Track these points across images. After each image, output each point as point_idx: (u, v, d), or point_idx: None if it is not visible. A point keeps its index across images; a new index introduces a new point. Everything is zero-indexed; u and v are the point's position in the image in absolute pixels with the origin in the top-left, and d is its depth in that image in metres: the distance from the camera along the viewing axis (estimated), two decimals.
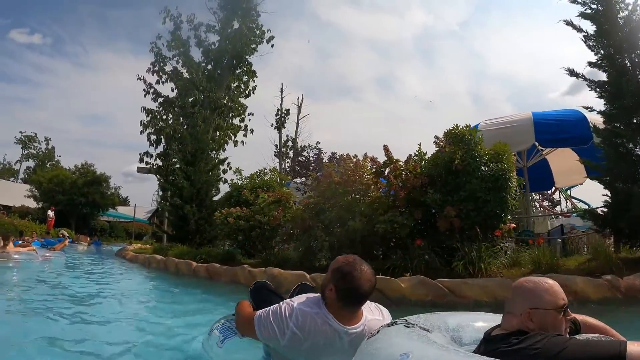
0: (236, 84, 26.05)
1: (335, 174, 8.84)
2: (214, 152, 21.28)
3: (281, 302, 2.63)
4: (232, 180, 14.40)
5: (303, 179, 15.87)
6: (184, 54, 25.05)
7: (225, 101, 24.71)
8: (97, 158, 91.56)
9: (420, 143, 8.33)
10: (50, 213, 29.40)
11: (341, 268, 2.45)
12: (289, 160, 29.17)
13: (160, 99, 25.27)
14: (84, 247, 23.35)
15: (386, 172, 8.35)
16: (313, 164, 25.22)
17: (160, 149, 24.85)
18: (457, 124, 7.67)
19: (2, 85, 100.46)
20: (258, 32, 26.22)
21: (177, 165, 19.77)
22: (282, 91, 28.01)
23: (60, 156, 75.90)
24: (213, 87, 23.67)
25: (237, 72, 25.71)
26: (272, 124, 28.36)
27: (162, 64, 25.40)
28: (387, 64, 76.29)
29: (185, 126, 23.10)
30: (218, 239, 15.35)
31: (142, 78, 25.48)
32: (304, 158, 26.41)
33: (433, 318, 2.19)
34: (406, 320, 2.11)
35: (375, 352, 1.90)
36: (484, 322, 2.22)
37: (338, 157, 22.66)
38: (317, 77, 74.62)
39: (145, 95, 25.33)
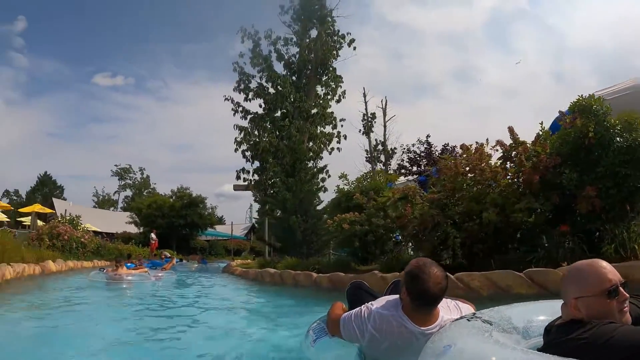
0: (324, 91, 25.86)
1: (460, 165, 8.18)
2: (312, 162, 21.20)
3: (363, 305, 2.76)
4: (337, 186, 13.98)
5: (409, 177, 15.38)
6: (268, 68, 25.21)
7: (316, 110, 24.56)
8: (189, 182, 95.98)
9: (542, 121, 7.76)
10: (153, 236, 30.51)
11: (411, 271, 2.51)
12: (382, 164, 28.52)
13: (249, 116, 25.54)
14: (196, 265, 23.97)
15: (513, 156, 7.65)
16: (424, 160, 24.23)
17: (255, 164, 25.08)
18: (581, 95, 6.91)
19: (94, 125, 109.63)
20: (336, 38, 25.98)
21: (277, 178, 19.80)
22: (365, 95, 27.39)
23: (155, 184, 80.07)
24: (302, 97, 23.60)
25: (323, 79, 25.54)
26: (360, 130, 27.84)
27: (247, 82, 25.72)
28: (462, 56, 74.05)
29: (281, 139, 23.12)
30: (327, 247, 15.25)
31: (229, 98, 25.87)
32: (412, 154, 25.42)
33: (506, 311, 2.20)
34: (474, 314, 2.18)
35: (429, 344, 2.00)
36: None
37: (450, 149, 21.96)
38: (393, 79, 73.49)
39: (234, 114, 25.67)
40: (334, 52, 25.61)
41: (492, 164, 8.01)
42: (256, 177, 25.26)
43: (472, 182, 7.96)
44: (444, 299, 2.59)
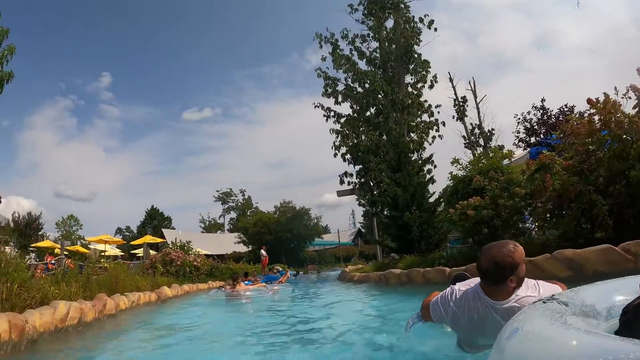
0: (414, 79, 24.53)
1: (592, 122, 7.10)
2: (416, 153, 20.04)
3: (448, 287, 3.02)
4: (450, 173, 12.76)
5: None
6: (352, 67, 24.40)
7: (410, 100, 23.29)
8: (290, 197, 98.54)
9: None
10: (263, 252, 30.49)
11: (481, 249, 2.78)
12: (481, 148, 26.60)
13: (342, 119, 24.83)
14: (315, 275, 24.01)
15: None
16: (542, 128, 22.32)
17: (357, 166, 24.31)
18: None
19: (191, 159, 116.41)
20: (413, 24, 24.61)
21: (383, 175, 18.87)
22: (451, 80, 25.40)
23: (257, 202, 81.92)
24: (394, 88, 22.48)
25: (410, 67, 24.24)
26: (453, 116, 26.03)
27: (334, 86, 25.07)
28: (538, 22, 69.30)
29: (380, 135, 22.12)
30: (445, 241, 14.87)
31: (319, 105, 25.40)
32: (529, 123, 23.56)
33: (588, 290, 2.17)
34: (552, 296, 2.13)
35: (504, 326, 1.92)
36: None
37: (569, 109, 20.07)
38: (473, 60, 71.22)
39: (326, 119, 25.10)
40: (415, 37, 24.24)
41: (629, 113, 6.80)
42: (359, 179, 24.46)
43: (614, 135, 6.64)
44: (527, 279, 2.65)
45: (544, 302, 1.99)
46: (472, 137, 26.61)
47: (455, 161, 12.72)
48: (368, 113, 23.90)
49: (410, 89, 24.03)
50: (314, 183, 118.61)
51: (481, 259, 2.59)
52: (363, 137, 23.30)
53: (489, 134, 27.17)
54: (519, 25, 67.68)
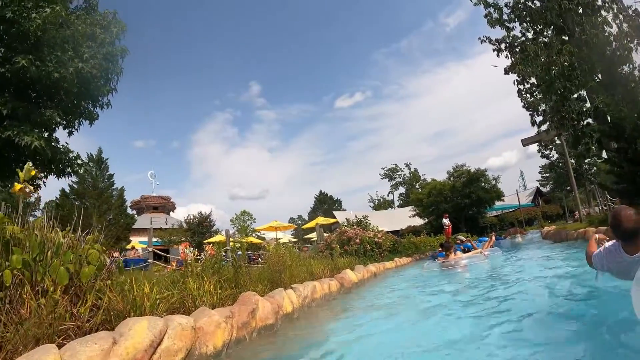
0: None
1: None
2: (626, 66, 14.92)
3: (602, 247, 3.83)
4: None
5: None
6: None
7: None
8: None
9: None
10: (446, 221, 27.22)
11: (611, 213, 3.59)
12: None
13: (518, 45, 20.15)
14: (520, 239, 22.80)
15: None
16: None
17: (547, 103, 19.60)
18: None
19: (351, 144, 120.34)
20: None
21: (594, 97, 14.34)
22: None
23: (424, 174, 78.23)
24: None
25: None
26: None
27: (497, 11, 20.47)
28: None
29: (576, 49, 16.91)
30: None
31: (485, 38, 21.00)
32: None
33: None
34: None
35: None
36: None
37: None
38: None
39: (498, 54, 20.49)
40: None
41: None
42: (553, 116, 19.57)
43: None
44: None
45: None
46: None
47: None
48: (547, 32, 18.92)
49: None
50: (476, 149, 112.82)
51: (617, 220, 3.26)
52: (550, 58, 18.28)
53: None
54: None
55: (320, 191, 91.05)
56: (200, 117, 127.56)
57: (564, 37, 17.60)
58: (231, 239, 16.90)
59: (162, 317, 3.43)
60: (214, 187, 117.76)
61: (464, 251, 14.51)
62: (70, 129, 12.39)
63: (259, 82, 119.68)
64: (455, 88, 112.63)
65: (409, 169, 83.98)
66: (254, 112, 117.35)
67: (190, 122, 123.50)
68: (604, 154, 15.47)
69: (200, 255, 9.77)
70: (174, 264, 9.25)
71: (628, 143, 11.73)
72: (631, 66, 14.13)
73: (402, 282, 10.18)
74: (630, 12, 16.03)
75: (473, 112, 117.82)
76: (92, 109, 12.60)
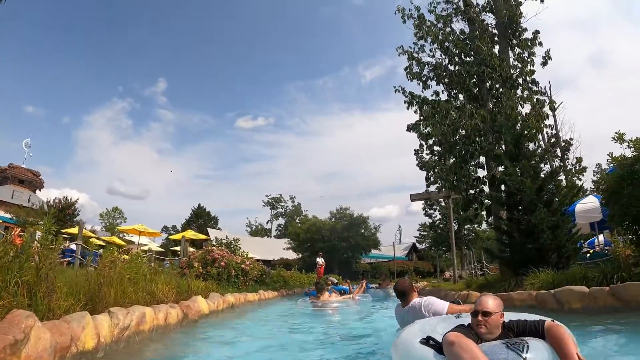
0: (520, 53, 19.31)
1: None
2: (532, 143, 15.02)
3: None
4: (610, 153, 8.63)
5: None
6: (445, 37, 19.48)
7: (521, 79, 18.09)
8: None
9: None
10: (320, 260, 26.23)
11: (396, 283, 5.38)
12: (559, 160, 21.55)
13: (425, 106, 19.87)
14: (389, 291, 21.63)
15: None
16: None
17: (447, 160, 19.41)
18: None
19: (243, 165, 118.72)
20: None
21: (500, 166, 14.27)
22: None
23: (307, 210, 78.31)
24: (504, 60, 17.35)
25: (514, 42, 19.07)
26: None
27: (419, 66, 20.19)
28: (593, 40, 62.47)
29: (489, 114, 16.74)
30: (576, 254, 11.44)
31: (399, 88, 20.58)
32: None
33: None
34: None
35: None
36: None
37: None
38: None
39: (408, 106, 20.14)
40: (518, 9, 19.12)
41: None
42: (446, 175, 19.40)
43: None
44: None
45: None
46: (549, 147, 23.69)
47: (619, 137, 8.54)
48: (461, 97, 18.88)
49: (518, 64, 18.83)
50: (362, 196, 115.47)
51: (397, 285, 5.26)
52: (463, 120, 18.12)
53: (566, 144, 24.66)
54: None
55: (199, 204, 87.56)
56: (98, 99, 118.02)
57: (476, 105, 17.63)
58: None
59: None
60: (95, 176, 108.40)
61: (341, 293, 14.45)
62: None
63: (168, 81, 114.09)
64: (355, 136, 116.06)
65: (293, 202, 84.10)
66: (154, 109, 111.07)
67: (87, 101, 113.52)
68: (490, 221, 15.41)
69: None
70: None
71: (524, 214, 11.49)
72: (537, 144, 14.25)
73: (259, 323, 8.45)
74: (543, 98, 16.54)
75: (366, 162, 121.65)
76: None
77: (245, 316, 9.28)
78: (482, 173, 16.96)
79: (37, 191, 45.96)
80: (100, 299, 4.84)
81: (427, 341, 2.87)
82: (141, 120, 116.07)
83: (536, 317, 3.00)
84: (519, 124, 14.61)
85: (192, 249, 18.43)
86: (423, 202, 36.48)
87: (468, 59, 18.61)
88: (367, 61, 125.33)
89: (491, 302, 2.88)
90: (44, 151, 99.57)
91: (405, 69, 20.43)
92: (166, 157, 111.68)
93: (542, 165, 14.28)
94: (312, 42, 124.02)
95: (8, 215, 30.37)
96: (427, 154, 21.82)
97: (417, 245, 61.24)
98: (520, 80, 17.57)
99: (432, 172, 21.44)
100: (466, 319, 3.14)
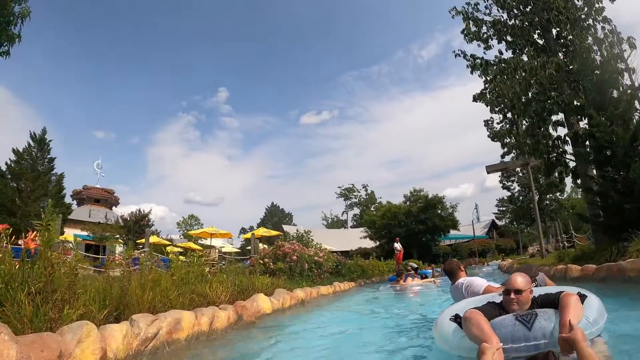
0: None
1: None
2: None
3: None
4: None
5: None
6: None
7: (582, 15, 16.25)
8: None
9: None
10: (397, 246, 25.34)
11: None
12: None
13: (489, 68, 18.36)
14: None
15: None
16: None
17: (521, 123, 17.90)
18: None
19: (311, 160, 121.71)
20: None
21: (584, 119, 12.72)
22: None
23: (380, 197, 77.41)
24: (561, 2, 15.54)
25: None
26: None
27: (476, 25, 18.71)
28: None
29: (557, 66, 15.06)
30: None
31: (460, 53, 19.19)
32: None
33: None
34: None
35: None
36: None
37: None
38: None
39: (471, 71, 18.77)
40: None
41: None
42: (524, 139, 17.83)
43: None
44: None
45: None
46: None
47: None
48: (526, 49, 17.24)
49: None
50: (433, 178, 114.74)
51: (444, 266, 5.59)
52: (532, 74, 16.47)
53: None
54: None
55: (272, 203, 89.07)
56: (165, 117, 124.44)
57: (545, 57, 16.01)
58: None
59: None
60: (170, 189, 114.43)
61: (422, 277, 14.83)
62: None
63: (228, 89, 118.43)
64: (418, 117, 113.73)
65: (366, 190, 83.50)
66: (218, 118, 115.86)
67: (154, 120, 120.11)
68: (578, 183, 13.94)
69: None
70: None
71: (619, 170, 10.07)
72: (621, 89, 12.61)
73: (329, 317, 7.76)
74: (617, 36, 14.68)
75: (433, 142, 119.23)
76: None
77: (312, 311, 8.45)
78: (562, 132, 15.38)
79: (114, 208, 48.01)
80: (126, 305, 4.33)
81: (456, 319, 3.23)
82: (208, 130, 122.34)
83: (569, 289, 3.18)
84: (596, 72, 13.04)
85: (264, 246, 18.08)
86: (500, 174, 34.69)
87: (528, 8, 16.98)
88: (420, 41, 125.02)
89: (520, 280, 3.12)
90: (117, 172, 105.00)
91: (462, 31, 18.96)
92: (236, 162, 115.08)
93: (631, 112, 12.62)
94: (360, 32, 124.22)
95: (85, 233, 31.67)
96: (498, 123, 20.42)
97: (497, 221, 59.01)
98: (590, 21, 15.77)
99: (506, 140, 19.91)
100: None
